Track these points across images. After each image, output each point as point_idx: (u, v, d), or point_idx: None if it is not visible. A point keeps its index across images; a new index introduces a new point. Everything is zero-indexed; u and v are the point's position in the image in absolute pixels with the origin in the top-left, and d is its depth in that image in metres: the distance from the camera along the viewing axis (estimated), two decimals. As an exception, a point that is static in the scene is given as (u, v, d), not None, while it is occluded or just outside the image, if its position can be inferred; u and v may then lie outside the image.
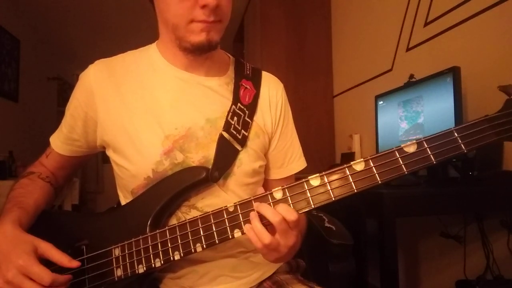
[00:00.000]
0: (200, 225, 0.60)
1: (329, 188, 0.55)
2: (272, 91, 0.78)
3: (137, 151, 0.67)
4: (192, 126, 0.68)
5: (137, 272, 0.62)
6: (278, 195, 0.57)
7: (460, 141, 0.52)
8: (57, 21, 3.67)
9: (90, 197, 4.97)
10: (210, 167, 0.66)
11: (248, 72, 0.78)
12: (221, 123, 0.69)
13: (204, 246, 0.59)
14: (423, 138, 0.54)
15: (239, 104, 0.72)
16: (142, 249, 0.62)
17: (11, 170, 2.92)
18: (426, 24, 1.60)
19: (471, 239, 1.36)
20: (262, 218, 0.56)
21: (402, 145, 0.54)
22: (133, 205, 0.69)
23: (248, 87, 0.75)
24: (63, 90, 4.73)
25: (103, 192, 5.00)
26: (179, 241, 0.61)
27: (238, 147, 0.69)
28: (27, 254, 0.58)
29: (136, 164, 0.67)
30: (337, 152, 2.47)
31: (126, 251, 0.63)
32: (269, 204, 0.57)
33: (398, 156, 0.54)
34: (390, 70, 1.87)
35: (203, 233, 0.60)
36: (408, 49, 1.73)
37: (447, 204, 1.12)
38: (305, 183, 0.57)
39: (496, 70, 1.24)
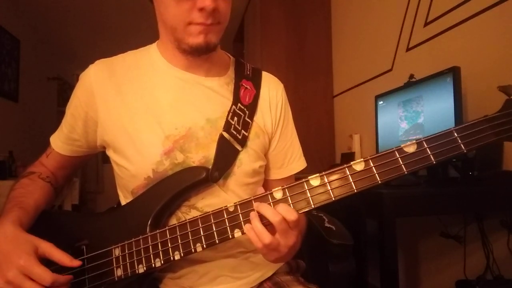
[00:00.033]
0: (200, 225, 0.60)
1: (329, 188, 0.55)
2: (272, 92, 0.78)
3: (137, 151, 0.67)
4: (192, 126, 0.68)
5: (137, 272, 0.62)
6: (278, 195, 0.57)
7: (459, 141, 0.52)
8: (57, 21, 3.67)
9: (90, 197, 4.97)
10: (210, 167, 0.66)
11: (248, 73, 0.78)
12: (221, 123, 0.69)
13: (204, 246, 0.59)
14: (423, 138, 0.54)
15: (239, 104, 0.72)
16: (142, 249, 0.62)
17: (11, 170, 2.92)
18: (426, 24, 1.60)
19: (471, 239, 1.36)
20: (262, 218, 0.56)
21: (402, 145, 0.54)
22: (133, 205, 0.69)
23: (248, 87, 0.75)
24: (63, 90, 4.73)
25: (103, 192, 5.00)
26: (179, 241, 0.61)
27: (238, 147, 0.69)
28: (27, 254, 0.58)
29: (136, 164, 0.67)
30: (337, 152, 2.47)
31: (126, 251, 0.63)
32: (269, 204, 0.57)
33: (398, 156, 0.54)
34: (390, 70, 1.87)
35: (203, 233, 0.60)
36: (408, 49, 1.73)
37: (447, 204, 1.12)
38: (305, 183, 0.57)
39: (496, 70, 1.24)
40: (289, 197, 0.57)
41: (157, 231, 0.62)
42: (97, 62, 0.73)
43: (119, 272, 0.63)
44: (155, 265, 0.61)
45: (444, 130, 0.53)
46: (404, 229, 1.74)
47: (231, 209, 0.59)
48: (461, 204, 1.13)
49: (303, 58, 2.49)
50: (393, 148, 0.54)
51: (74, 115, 0.72)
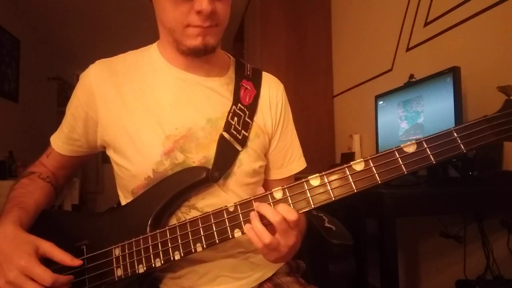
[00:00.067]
0: (200, 225, 0.60)
1: (329, 188, 0.55)
2: (272, 92, 0.78)
3: (137, 151, 0.67)
4: (193, 126, 0.68)
5: (137, 272, 0.62)
6: (278, 195, 0.57)
7: (459, 141, 0.52)
8: (57, 21, 3.67)
9: (90, 197, 4.97)
10: (210, 167, 0.66)
11: (248, 73, 0.78)
12: (222, 123, 0.69)
13: (204, 246, 0.59)
14: (423, 138, 0.54)
15: (239, 105, 0.72)
16: (142, 249, 0.62)
17: (11, 170, 2.92)
18: (426, 24, 1.60)
19: (471, 239, 1.36)
20: (262, 218, 0.56)
21: (402, 145, 0.54)
22: (133, 205, 0.69)
23: (248, 87, 0.75)
24: (63, 90, 4.73)
25: (103, 192, 5.00)
26: (179, 241, 0.61)
27: (238, 148, 0.69)
28: (28, 254, 0.58)
29: (137, 164, 0.67)
30: (337, 152, 2.47)
31: (126, 251, 0.63)
32: (269, 204, 0.57)
33: (397, 156, 0.54)
34: (390, 70, 1.87)
35: (203, 233, 0.60)
36: (408, 49, 1.73)
37: (447, 204, 1.12)
38: (305, 183, 0.57)
39: (496, 70, 1.24)
40: (289, 197, 0.57)
41: (157, 231, 0.62)
42: (97, 62, 0.73)
43: (119, 272, 0.63)
44: (155, 265, 0.61)
45: (444, 130, 0.53)
46: (404, 229, 1.74)
47: (231, 209, 0.59)
48: (461, 204, 1.13)
49: (303, 58, 2.49)
50: (393, 148, 0.54)
51: (74, 115, 0.72)
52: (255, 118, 0.73)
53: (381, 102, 1.66)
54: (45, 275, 0.57)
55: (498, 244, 1.25)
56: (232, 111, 0.71)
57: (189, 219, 0.61)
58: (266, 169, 0.78)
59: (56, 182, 0.78)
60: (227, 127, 0.69)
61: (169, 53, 0.72)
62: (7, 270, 0.57)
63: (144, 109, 0.68)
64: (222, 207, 0.60)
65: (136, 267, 0.62)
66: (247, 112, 0.72)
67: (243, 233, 0.58)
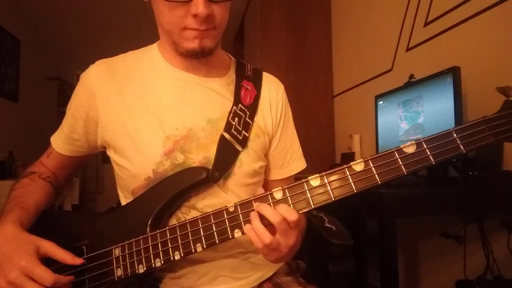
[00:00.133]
0: (200, 225, 0.60)
1: (329, 188, 0.56)
2: (272, 92, 0.78)
3: (137, 151, 0.67)
4: (193, 126, 0.68)
5: (137, 272, 0.62)
6: (278, 195, 0.57)
7: (459, 142, 0.52)
8: (57, 21, 3.67)
9: (90, 197, 4.98)
10: (210, 167, 0.66)
11: (249, 73, 0.78)
12: (222, 124, 0.69)
13: (204, 246, 0.60)
14: (422, 138, 0.54)
15: (240, 105, 0.72)
16: (142, 249, 0.63)
17: (11, 170, 2.92)
18: (426, 24, 1.60)
19: (471, 239, 1.36)
20: (262, 218, 0.56)
21: (402, 146, 0.54)
22: (134, 205, 0.69)
23: (249, 88, 0.75)
24: (63, 90, 4.73)
25: (103, 192, 5.00)
26: (179, 241, 0.61)
27: (239, 148, 0.69)
28: (29, 255, 0.58)
29: (137, 164, 0.67)
30: (337, 152, 2.47)
31: (126, 251, 0.63)
32: (269, 204, 0.57)
33: (397, 156, 0.54)
34: (390, 70, 1.87)
35: (203, 233, 0.60)
36: (408, 49, 1.73)
37: (447, 204, 1.12)
38: (305, 183, 0.57)
39: (496, 70, 1.24)
40: (289, 197, 0.57)
41: (157, 231, 0.63)
42: (97, 62, 0.73)
43: (119, 272, 0.63)
44: (155, 265, 0.62)
45: (444, 131, 0.53)
46: (404, 229, 1.74)
47: (231, 209, 0.59)
48: (461, 204, 1.13)
49: (303, 58, 2.49)
50: (392, 149, 0.55)
51: (75, 115, 0.72)
52: (255, 119, 0.73)
53: (381, 102, 1.66)
54: (46, 275, 0.57)
55: (498, 244, 1.25)
56: (232, 112, 0.71)
57: (189, 219, 0.61)
58: (266, 169, 0.78)
59: (56, 182, 0.78)
60: (228, 127, 0.69)
61: (169, 54, 0.72)
62: (8, 270, 0.57)
63: (144, 109, 0.68)
64: (222, 208, 0.60)
65: (136, 267, 0.62)
66: (247, 112, 0.72)
67: (243, 233, 0.58)
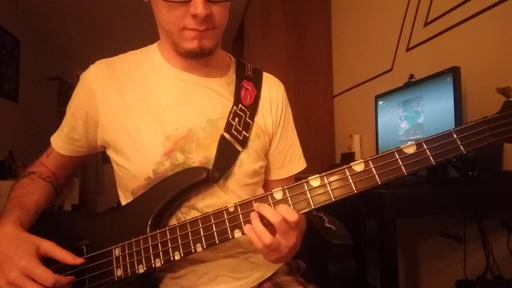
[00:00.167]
0: (200, 225, 0.60)
1: (329, 189, 0.56)
2: (273, 92, 0.78)
3: (137, 151, 0.67)
4: (193, 126, 0.68)
5: (137, 272, 0.62)
6: (278, 195, 0.57)
7: (459, 142, 0.52)
8: (57, 21, 3.67)
9: (90, 197, 4.98)
10: (210, 167, 0.66)
11: (249, 73, 0.78)
12: (222, 124, 0.69)
13: (204, 246, 0.60)
14: (423, 139, 0.54)
15: (240, 105, 0.72)
16: (142, 249, 0.63)
17: (11, 170, 2.92)
18: (426, 24, 1.60)
19: (471, 239, 1.36)
20: (262, 218, 0.56)
21: (402, 146, 0.54)
22: (134, 205, 0.69)
23: (249, 88, 0.75)
24: (63, 90, 4.73)
25: (103, 192, 5.00)
26: (179, 241, 0.61)
27: (239, 148, 0.69)
28: (29, 255, 0.58)
29: (137, 164, 0.67)
30: (337, 152, 2.47)
31: (126, 251, 0.63)
32: (269, 204, 0.57)
33: (397, 157, 0.54)
34: (390, 70, 1.87)
35: (203, 233, 0.60)
36: (408, 49, 1.73)
37: (447, 204, 1.12)
38: (305, 183, 0.57)
39: (496, 70, 1.24)
40: (289, 197, 0.57)
41: (157, 231, 0.63)
42: (97, 62, 0.73)
43: (119, 272, 0.63)
44: (155, 265, 0.62)
45: (444, 131, 0.53)
46: (404, 229, 1.74)
47: (231, 210, 0.59)
48: (461, 204, 1.13)
49: (303, 58, 2.49)
50: (392, 149, 0.55)
51: (75, 115, 0.72)
52: (255, 119, 0.73)
53: (381, 102, 1.66)
54: (46, 275, 0.57)
55: (498, 244, 1.25)
56: (233, 112, 0.71)
57: (189, 220, 0.61)
58: (266, 169, 0.78)
59: (56, 182, 0.78)
60: (228, 127, 0.69)
61: (169, 54, 0.72)
62: (8, 270, 0.57)
63: (144, 109, 0.68)
64: (222, 208, 0.60)
65: (136, 267, 0.62)
66: (247, 112, 0.72)
67: (243, 233, 0.58)
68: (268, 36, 2.47)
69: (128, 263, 0.63)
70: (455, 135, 0.53)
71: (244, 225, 0.58)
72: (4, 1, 3.19)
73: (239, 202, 0.59)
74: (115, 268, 0.64)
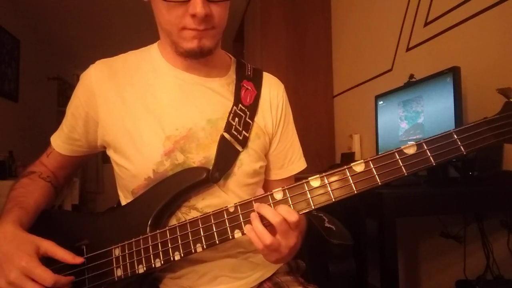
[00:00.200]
0: (200, 225, 0.60)
1: (329, 189, 0.55)
2: (273, 92, 0.78)
3: (137, 151, 0.67)
4: (193, 126, 0.68)
5: (137, 272, 0.62)
6: (278, 196, 0.57)
7: (459, 143, 0.52)
8: (57, 21, 3.67)
9: (90, 197, 4.98)
10: (210, 167, 0.66)
11: (249, 73, 0.78)
12: (222, 124, 0.69)
13: (205, 246, 0.60)
14: (423, 140, 0.54)
15: (240, 105, 0.72)
16: (142, 249, 0.62)
17: (11, 170, 2.92)
18: (426, 24, 1.60)
19: (471, 239, 1.36)
20: (262, 218, 0.56)
21: (402, 147, 0.54)
22: (134, 205, 0.69)
23: (249, 88, 0.75)
24: (63, 90, 4.73)
25: (103, 192, 5.00)
26: (179, 241, 0.61)
27: (239, 148, 0.69)
28: (29, 255, 0.58)
29: (137, 164, 0.67)
30: (337, 152, 2.47)
31: (126, 251, 0.63)
32: (270, 204, 0.57)
33: (398, 157, 0.54)
34: (390, 70, 1.87)
35: (203, 234, 0.60)
36: (408, 49, 1.73)
37: (447, 204, 1.12)
38: (305, 184, 0.57)
39: (496, 71, 1.24)
40: (289, 198, 0.57)
41: (157, 231, 0.63)
42: (97, 62, 0.73)
43: (119, 272, 0.63)
44: (155, 265, 0.61)
45: (444, 132, 0.53)
46: (404, 229, 1.74)
47: (232, 210, 0.59)
48: (461, 204, 1.13)
49: (303, 58, 2.49)
50: (393, 150, 0.55)
51: (75, 115, 0.72)
52: (255, 119, 0.73)
53: (381, 102, 1.66)
54: (46, 275, 0.57)
55: (498, 244, 1.25)
56: (233, 112, 0.71)
57: (189, 220, 0.61)
58: (266, 169, 0.78)
59: (56, 181, 0.78)
60: (228, 127, 0.69)
61: (169, 54, 0.72)
62: (8, 270, 0.57)
63: (144, 109, 0.68)
64: (222, 208, 0.60)
65: (136, 267, 0.62)
66: (247, 112, 0.72)
67: (243, 233, 0.58)
68: (268, 36, 2.47)
69: (128, 263, 0.63)
70: (455, 136, 0.53)
71: (244, 225, 0.57)
72: (4, 1, 3.19)
73: (239, 202, 0.59)
74: (115, 268, 0.64)
